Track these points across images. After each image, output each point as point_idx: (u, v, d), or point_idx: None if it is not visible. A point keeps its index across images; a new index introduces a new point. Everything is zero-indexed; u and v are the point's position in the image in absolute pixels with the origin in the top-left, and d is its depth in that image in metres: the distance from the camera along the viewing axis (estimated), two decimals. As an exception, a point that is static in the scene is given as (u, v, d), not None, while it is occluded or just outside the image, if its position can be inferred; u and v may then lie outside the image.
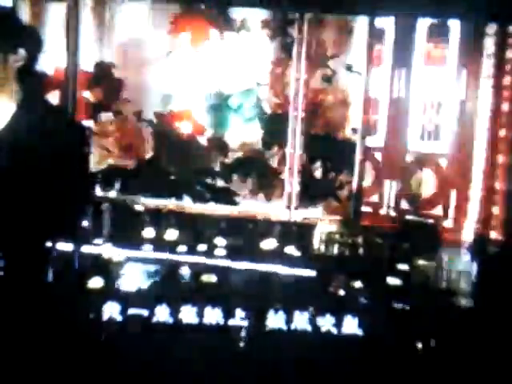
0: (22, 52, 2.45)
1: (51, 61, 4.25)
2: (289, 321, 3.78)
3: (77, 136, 2.76)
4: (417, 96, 4.47)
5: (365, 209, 4.55)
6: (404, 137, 4.49)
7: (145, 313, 3.74)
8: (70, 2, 4.14)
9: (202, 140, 4.44)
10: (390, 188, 4.56)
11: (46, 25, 4.26)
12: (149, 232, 4.36)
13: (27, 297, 2.56)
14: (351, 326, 3.94)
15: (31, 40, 2.53)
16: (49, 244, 2.73)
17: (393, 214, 4.57)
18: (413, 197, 4.56)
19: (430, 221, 4.50)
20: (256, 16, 4.33)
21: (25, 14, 4.16)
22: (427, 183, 4.53)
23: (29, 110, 2.54)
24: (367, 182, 4.58)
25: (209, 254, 4.26)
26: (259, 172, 4.43)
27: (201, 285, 4.12)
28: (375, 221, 4.54)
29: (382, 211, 4.59)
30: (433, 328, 3.92)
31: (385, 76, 4.46)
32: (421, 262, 4.35)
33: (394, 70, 4.43)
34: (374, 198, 4.61)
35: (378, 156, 4.58)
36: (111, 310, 3.76)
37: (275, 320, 3.84)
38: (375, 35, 4.34)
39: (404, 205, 4.59)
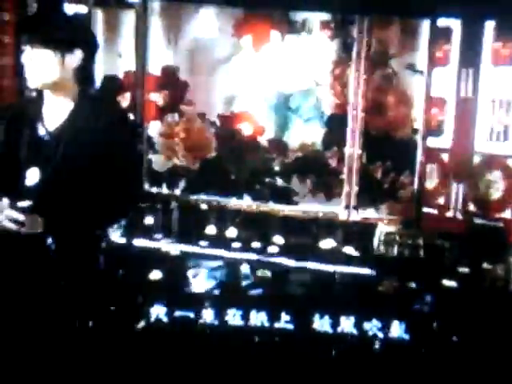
0: (78, 52, 2.55)
1: (122, 65, 4.52)
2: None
3: (129, 132, 2.85)
4: (485, 96, 4.34)
5: (430, 211, 4.48)
6: (471, 138, 4.37)
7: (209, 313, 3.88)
8: (139, 8, 4.38)
9: (263, 140, 4.53)
10: (457, 190, 4.45)
11: (118, 31, 4.49)
12: (210, 229, 4.51)
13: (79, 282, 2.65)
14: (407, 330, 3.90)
15: (87, 41, 2.64)
16: (99, 234, 2.82)
17: (460, 216, 4.45)
18: (481, 199, 4.43)
19: (499, 224, 4.35)
20: (316, 17, 4.36)
21: (98, 21, 4.43)
22: (496, 185, 4.38)
23: (85, 108, 2.66)
24: (433, 183, 4.50)
25: (267, 252, 4.34)
26: (318, 172, 4.45)
27: (258, 282, 4.21)
28: (441, 223, 4.45)
29: (449, 214, 4.47)
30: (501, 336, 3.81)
31: (451, 76, 4.36)
32: (488, 265, 4.22)
33: (461, 70, 4.32)
34: (441, 200, 4.52)
35: (445, 157, 4.48)
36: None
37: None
38: (439, 34, 4.27)
39: (472, 207, 4.47)
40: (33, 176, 2.53)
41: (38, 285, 2.54)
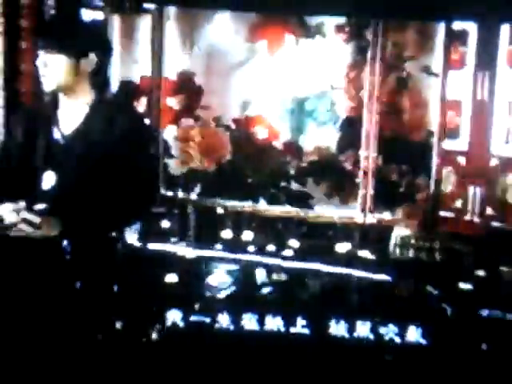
0: (92, 57, 2.59)
1: (138, 70, 4.57)
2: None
3: (144, 135, 2.87)
4: (501, 98, 4.31)
5: (447, 214, 4.45)
6: (488, 140, 4.34)
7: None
8: (155, 14, 4.43)
9: (278, 144, 4.54)
10: (474, 193, 4.42)
11: (134, 36, 4.55)
12: (226, 233, 4.53)
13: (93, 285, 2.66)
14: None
15: (102, 47, 2.67)
16: (115, 237, 2.83)
17: (477, 220, 4.42)
18: (498, 203, 4.39)
19: (517, 228, 4.31)
20: (331, 20, 4.37)
21: (115, 27, 4.49)
22: (513, 189, 4.34)
23: (100, 112, 2.68)
24: (449, 186, 4.47)
25: (282, 256, 4.35)
26: (334, 175, 4.46)
27: (273, 286, 4.22)
28: (458, 227, 4.42)
29: (466, 217, 4.44)
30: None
31: (468, 78, 4.34)
32: (506, 268, 4.19)
33: (478, 72, 4.30)
34: (458, 204, 4.48)
35: (462, 160, 4.45)
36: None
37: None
38: (455, 36, 4.26)
39: (489, 211, 4.43)
40: (49, 179, 2.55)
41: (52, 287, 2.56)
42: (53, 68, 2.52)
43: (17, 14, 4.07)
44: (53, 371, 2.52)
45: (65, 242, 2.50)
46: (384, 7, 4.11)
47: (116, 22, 4.47)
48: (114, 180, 2.55)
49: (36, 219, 2.36)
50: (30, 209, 2.37)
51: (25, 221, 2.35)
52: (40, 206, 2.41)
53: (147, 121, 4.27)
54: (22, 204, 2.37)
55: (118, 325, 2.91)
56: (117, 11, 4.45)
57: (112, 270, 2.76)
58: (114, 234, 2.76)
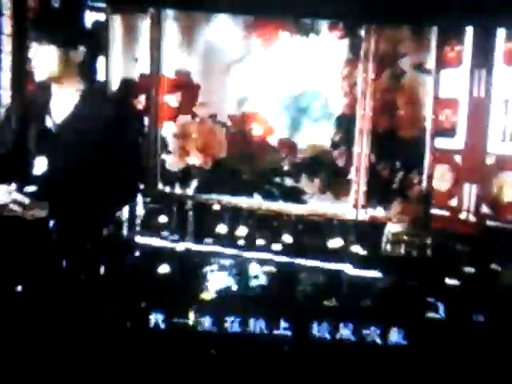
0: (81, 49, 2.72)
1: (138, 68, 4.68)
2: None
3: (128, 122, 2.96)
4: (497, 97, 4.30)
5: (443, 212, 4.44)
6: (484, 139, 4.33)
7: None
8: (154, 15, 4.55)
9: (272, 140, 4.60)
10: (470, 192, 4.40)
11: (134, 36, 4.66)
12: (221, 228, 4.59)
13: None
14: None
15: (90, 40, 2.78)
16: (101, 220, 2.93)
17: (472, 218, 4.40)
18: (494, 201, 4.37)
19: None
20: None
21: (116, 27, 4.61)
22: (509, 187, 4.31)
23: (88, 100, 2.81)
24: (445, 184, 4.47)
25: (275, 251, 4.39)
26: (327, 171, 4.49)
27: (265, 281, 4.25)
28: (453, 225, 4.40)
29: (461, 215, 4.43)
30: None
31: (464, 76, 4.34)
32: (498, 268, 4.16)
33: (474, 70, 4.30)
34: (453, 202, 4.47)
35: (458, 158, 4.45)
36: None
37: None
38: (448, 34, 4.28)
39: (484, 209, 4.40)
40: (39, 164, 2.70)
41: (39, 267, 2.68)
42: (43, 58, 2.67)
43: (24, 15, 4.22)
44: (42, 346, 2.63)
45: (52, 223, 2.63)
46: (376, 12, 4.15)
47: (116, 22, 4.59)
48: (100, 165, 2.67)
49: (26, 200, 2.51)
50: (20, 191, 2.52)
51: (15, 202, 2.51)
52: (30, 189, 2.55)
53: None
54: (14, 186, 2.52)
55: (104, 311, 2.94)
56: (117, 12, 4.57)
57: (97, 253, 2.87)
58: (100, 216, 2.88)
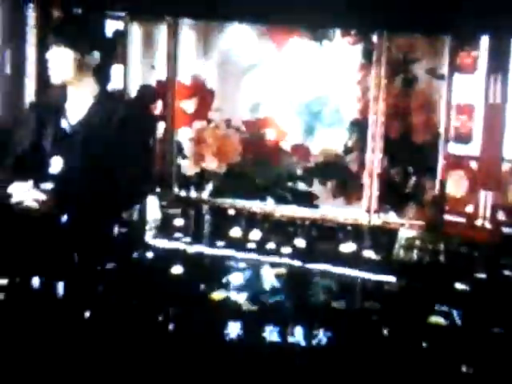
0: (96, 54, 2.86)
1: (155, 74, 4.77)
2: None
3: (139, 124, 3.07)
4: (513, 103, 4.27)
5: (458, 219, 4.41)
6: (500, 145, 4.30)
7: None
8: (170, 22, 4.65)
9: (286, 145, 4.63)
10: (486, 198, 4.36)
11: (151, 44, 4.76)
12: (235, 232, 4.63)
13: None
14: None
15: (105, 46, 2.91)
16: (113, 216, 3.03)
17: (488, 225, 4.35)
18: (510, 208, 4.32)
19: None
20: (338, 25, 4.46)
21: (134, 35, 4.72)
22: (525, 194, 4.27)
23: (102, 103, 2.94)
24: (460, 191, 4.43)
25: (288, 255, 4.39)
26: (339, 176, 4.50)
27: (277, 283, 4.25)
28: (468, 231, 4.36)
29: (477, 222, 4.39)
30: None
31: (480, 82, 4.32)
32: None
33: (490, 76, 4.28)
34: (469, 209, 4.43)
35: (473, 165, 4.41)
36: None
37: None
38: (462, 40, 4.27)
39: (500, 216, 4.36)
40: (55, 162, 2.85)
41: (49, 257, 2.81)
42: (60, 61, 2.82)
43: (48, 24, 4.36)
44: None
45: (64, 218, 2.78)
46: (388, 21, 4.17)
47: (135, 30, 4.70)
48: (113, 165, 2.80)
49: (41, 197, 2.66)
50: (36, 188, 2.70)
51: (32, 198, 2.66)
52: (45, 186, 2.74)
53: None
54: (30, 184, 2.70)
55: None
56: (135, 20, 4.68)
57: (106, 248, 2.99)
58: (112, 213, 3.00)
